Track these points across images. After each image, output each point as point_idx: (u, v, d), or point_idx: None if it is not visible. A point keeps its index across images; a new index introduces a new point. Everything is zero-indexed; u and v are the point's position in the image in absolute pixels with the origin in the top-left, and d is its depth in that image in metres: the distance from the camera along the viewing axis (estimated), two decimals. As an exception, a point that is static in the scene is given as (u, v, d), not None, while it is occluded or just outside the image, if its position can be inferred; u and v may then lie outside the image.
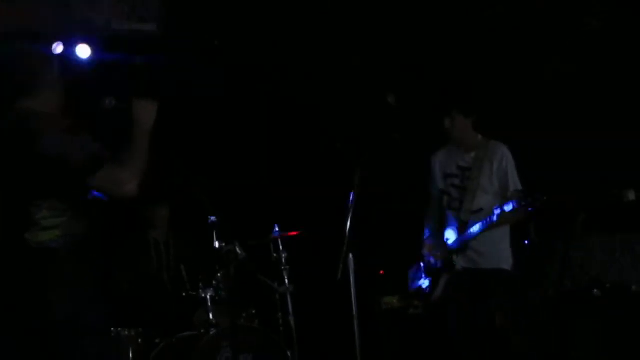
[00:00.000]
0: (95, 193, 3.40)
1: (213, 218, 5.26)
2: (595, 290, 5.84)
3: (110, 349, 3.64)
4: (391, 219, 6.59)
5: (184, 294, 5.51)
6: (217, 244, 5.25)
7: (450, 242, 4.99)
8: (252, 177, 6.70)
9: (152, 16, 6.07)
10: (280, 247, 5.80)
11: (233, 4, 6.20)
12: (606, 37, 6.24)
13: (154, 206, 5.96)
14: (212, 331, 5.08)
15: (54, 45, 3.52)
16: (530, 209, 4.72)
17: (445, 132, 5.01)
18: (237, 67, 6.56)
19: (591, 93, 6.33)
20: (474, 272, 4.91)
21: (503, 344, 4.87)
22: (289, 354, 5.31)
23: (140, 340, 5.23)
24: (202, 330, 5.18)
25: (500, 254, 4.92)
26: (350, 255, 4.60)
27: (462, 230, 4.91)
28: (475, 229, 4.83)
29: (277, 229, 5.81)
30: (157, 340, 5.24)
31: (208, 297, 5.31)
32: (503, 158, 4.91)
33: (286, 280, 5.73)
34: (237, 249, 5.21)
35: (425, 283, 5.19)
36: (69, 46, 5.54)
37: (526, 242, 6.05)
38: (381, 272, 6.41)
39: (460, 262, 4.94)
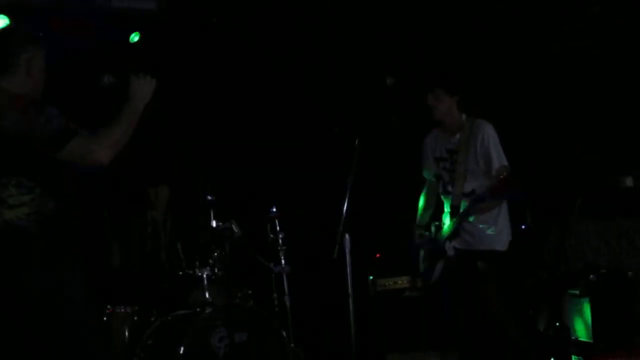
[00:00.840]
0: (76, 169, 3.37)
1: (210, 197, 5.26)
2: (591, 276, 5.85)
3: (94, 320, 3.55)
4: (388, 200, 6.60)
5: (180, 273, 5.51)
6: (214, 223, 5.26)
7: (445, 227, 4.98)
8: (250, 156, 6.70)
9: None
10: (277, 228, 5.80)
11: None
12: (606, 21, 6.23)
13: (155, 187, 5.97)
14: (208, 310, 5.08)
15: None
16: (502, 195, 4.71)
17: (430, 110, 4.94)
18: (237, 48, 6.55)
19: (590, 75, 6.32)
20: (467, 254, 4.89)
21: (497, 327, 4.88)
22: (283, 333, 5.32)
23: (135, 318, 5.26)
24: (198, 309, 5.19)
25: (494, 235, 4.87)
26: (347, 236, 4.60)
27: (453, 214, 4.90)
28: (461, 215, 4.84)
29: (274, 209, 5.82)
30: (152, 318, 5.26)
31: (204, 276, 5.31)
32: (484, 136, 4.81)
33: (282, 261, 5.74)
34: (234, 227, 5.22)
35: (423, 266, 5.18)
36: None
37: (522, 227, 6.05)
38: (377, 255, 6.41)
39: (455, 245, 4.92)
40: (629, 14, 6.10)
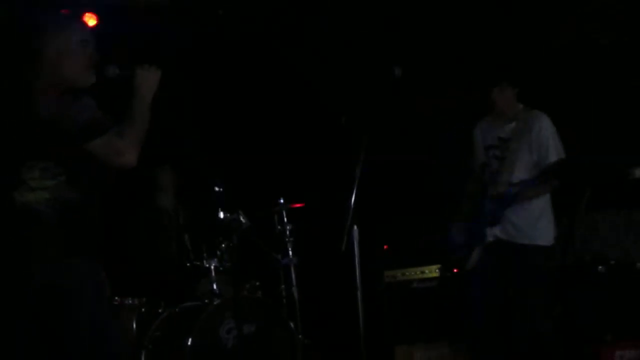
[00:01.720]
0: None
1: (218, 188, 5.25)
2: (599, 267, 5.83)
3: (109, 316, 3.47)
4: (396, 192, 6.58)
5: (187, 264, 5.52)
6: (221, 214, 5.25)
7: (487, 213, 4.92)
8: (258, 148, 6.69)
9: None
10: (285, 219, 5.80)
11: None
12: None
13: (156, 169, 5.97)
14: (216, 301, 5.09)
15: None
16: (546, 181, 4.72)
17: (490, 102, 4.93)
18: (242, 38, 6.54)
19: (598, 66, 6.28)
20: (506, 245, 4.84)
21: (528, 321, 4.82)
22: (291, 325, 5.32)
23: (143, 310, 5.26)
24: (206, 301, 5.20)
25: (539, 230, 4.82)
26: (355, 227, 4.59)
27: (498, 201, 4.83)
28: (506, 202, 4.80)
29: (282, 201, 5.81)
30: (160, 310, 5.26)
31: (212, 267, 5.32)
32: (542, 128, 4.78)
33: (290, 252, 5.73)
34: (242, 218, 5.21)
35: (462, 251, 5.13)
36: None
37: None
38: (385, 247, 6.40)
39: (495, 234, 4.88)
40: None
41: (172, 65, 3.78)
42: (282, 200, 5.81)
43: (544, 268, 4.85)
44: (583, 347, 5.64)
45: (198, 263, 5.43)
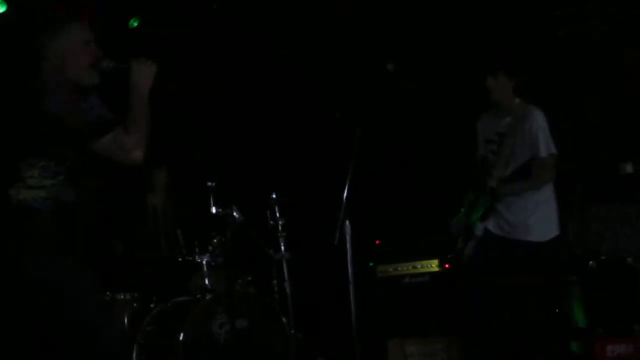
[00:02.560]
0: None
1: (211, 183, 5.24)
2: (590, 262, 5.84)
3: (103, 317, 3.43)
4: (388, 186, 6.58)
5: (180, 259, 5.51)
6: (214, 210, 5.24)
7: (479, 207, 4.92)
8: (251, 143, 6.68)
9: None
10: (277, 214, 5.79)
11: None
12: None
13: (152, 169, 5.95)
14: (208, 297, 5.08)
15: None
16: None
17: (487, 92, 4.93)
18: (237, 33, 6.52)
19: (590, 61, 6.29)
20: (500, 240, 4.87)
21: (523, 318, 4.84)
22: (284, 320, 5.32)
23: (135, 305, 5.26)
24: (198, 296, 5.19)
25: (531, 226, 4.82)
26: (347, 222, 4.59)
27: (491, 197, 4.84)
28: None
29: (274, 196, 5.80)
30: (152, 305, 5.26)
31: (204, 262, 5.31)
32: (532, 123, 4.78)
33: (282, 247, 5.73)
34: (234, 213, 5.21)
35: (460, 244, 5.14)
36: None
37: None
38: (377, 242, 6.40)
39: (490, 228, 4.88)
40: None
41: (166, 60, 3.77)
42: (274, 195, 5.80)
43: (537, 263, 4.85)
44: (575, 341, 5.65)
45: (190, 258, 5.42)
